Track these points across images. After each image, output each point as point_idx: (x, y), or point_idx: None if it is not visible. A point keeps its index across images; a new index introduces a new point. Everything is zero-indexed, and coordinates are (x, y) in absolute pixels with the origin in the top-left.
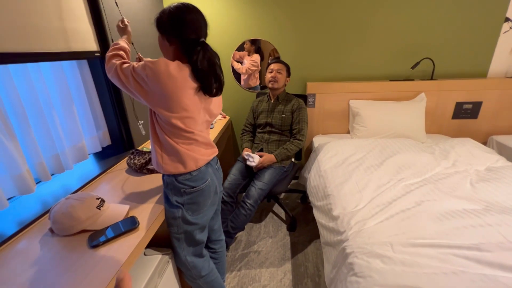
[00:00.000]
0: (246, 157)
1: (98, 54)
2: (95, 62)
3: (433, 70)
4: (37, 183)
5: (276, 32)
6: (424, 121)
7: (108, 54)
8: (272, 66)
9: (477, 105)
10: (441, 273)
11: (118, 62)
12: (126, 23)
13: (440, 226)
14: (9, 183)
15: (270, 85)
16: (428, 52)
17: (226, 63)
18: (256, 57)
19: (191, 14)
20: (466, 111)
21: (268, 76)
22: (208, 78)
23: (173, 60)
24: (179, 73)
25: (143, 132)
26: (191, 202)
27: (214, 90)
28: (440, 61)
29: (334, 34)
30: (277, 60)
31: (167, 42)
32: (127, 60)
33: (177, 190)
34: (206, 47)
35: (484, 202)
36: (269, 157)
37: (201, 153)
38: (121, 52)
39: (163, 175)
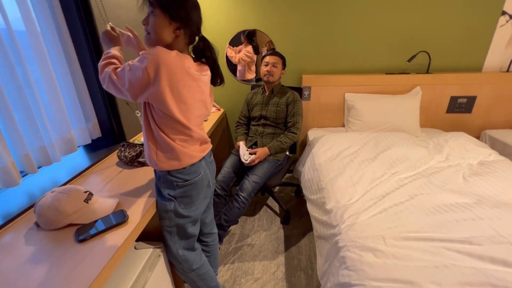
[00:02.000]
0: (241, 154)
1: None
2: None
3: (429, 63)
4: (23, 176)
5: (271, 23)
6: (419, 115)
7: (101, 63)
8: (268, 59)
9: (471, 100)
10: (432, 266)
11: (110, 69)
12: (118, 32)
13: (433, 219)
14: None
15: (265, 79)
16: (424, 45)
17: (220, 53)
18: (250, 48)
19: (198, 6)
20: (460, 105)
21: (263, 69)
22: (218, 69)
23: (169, 48)
24: (180, 62)
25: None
26: (184, 195)
27: (219, 80)
28: (436, 54)
29: (331, 26)
30: (273, 52)
31: (172, 27)
32: (120, 65)
33: (170, 183)
34: (208, 41)
35: (476, 196)
36: (263, 151)
37: (197, 150)
38: (114, 60)
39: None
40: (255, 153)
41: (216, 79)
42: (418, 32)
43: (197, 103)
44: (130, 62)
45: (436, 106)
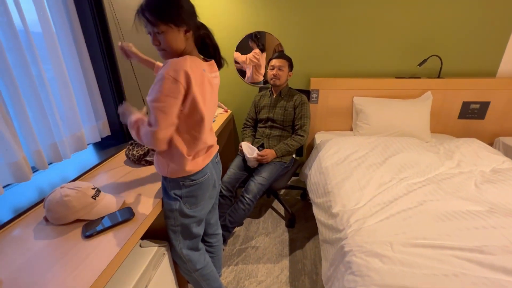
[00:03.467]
0: (246, 151)
1: None
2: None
3: (441, 68)
4: (34, 171)
5: (280, 26)
6: (429, 120)
7: (132, 132)
8: (273, 62)
9: (484, 105)
10: (441, 275)
11: (141, 126)
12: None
13: (442, 227)
14: (4, 170)
15: (272, 82)
16: (436, 49)
17: (227, 53)
18: (258, 51)
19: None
20: (473, 111)
21: (270, 73)
22: (219, 53)
23: (183, 54)
24: (195, 67)
25: None
26: (190, 195)
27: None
28: (448, 59)
29: (340, 29)
30: (278, 55)
31: (181, 33)
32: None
33: (176, 182)
34: (207, 28)
35: (488, 203)
36: (270, 152)
37: (205, 157)
38: (138, 123)
39: None
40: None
41: (220, 62)
42: (429, 35)
43: (213, 106)
44: (155, 104)
45: (447, 112)
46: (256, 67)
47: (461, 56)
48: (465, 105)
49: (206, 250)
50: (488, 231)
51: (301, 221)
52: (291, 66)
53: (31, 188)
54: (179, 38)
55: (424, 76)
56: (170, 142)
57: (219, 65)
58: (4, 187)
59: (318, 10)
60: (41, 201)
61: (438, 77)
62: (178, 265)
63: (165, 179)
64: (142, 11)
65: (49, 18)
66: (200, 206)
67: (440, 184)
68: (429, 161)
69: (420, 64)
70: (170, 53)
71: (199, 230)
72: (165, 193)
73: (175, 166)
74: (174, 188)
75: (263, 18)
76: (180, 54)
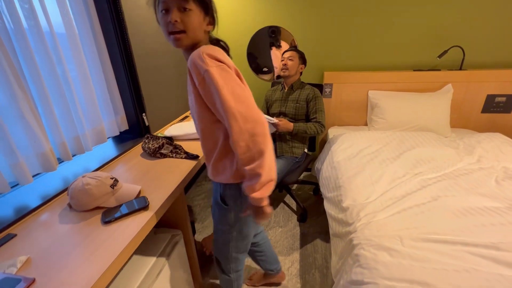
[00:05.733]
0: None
1: None
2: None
3: (463, 59)
4: (59, 163)
5: (293, 20)
6: (449, 115)
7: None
8: (284, 55)
9: (511, 98)
10: (452, 270)
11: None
12: None
13: (456, 222)
14: (34, 160)
15: (282, 73)
16: (457, 39)
17: (240, 50)
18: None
19: None
20: (498, 105)
21: (280, 64)
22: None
23: (197, 47)
24: (224, 54)
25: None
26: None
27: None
28: (471, 49)
29: (354, 20)
30: (290, 49)
31: (205, 23)
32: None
33: (234, 190)
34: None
35: (509, 200)
36: (287, 124)
37: None
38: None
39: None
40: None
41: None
42: (450, 24)
43: None
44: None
45: (469, 105)
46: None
47: (486, 46)
48: (490, 98)
49: (255, 251)
50: (506, 227)
51: (313, 216)
52: (302, 59)
53: (57, 178)
54: (202, 25)
55: (445, 68)
56: (227, 144)
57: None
58: (33, 176)
59: (331, 2)
60: (66, 189)
61: (460, 69)
62: (219, 265)
63: (221, 186)
64: None
65: (72, 19)
66: None
67: (457, 179)
68: (447, 156)
69: (440, 56)
70: (189, 38)
71: (252, 232)
72: (220, 203)
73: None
74: (232, 196)
75: (276, 13)
76: (195, 45)
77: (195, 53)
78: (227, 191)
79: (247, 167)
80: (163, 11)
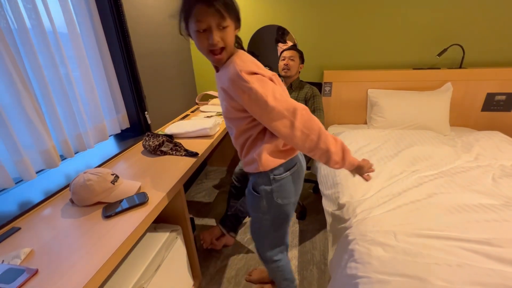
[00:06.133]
0: None
1: None
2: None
3: (463, 57)
4: (62, 160)
5: (292, 18)
6: (449, 113)
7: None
8: (284, 54)
9: (511, 97)
10: (444, 265)
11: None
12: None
13: (451, 219)
14: (37, 157)
15: (283, 73)
16: (457, 37)
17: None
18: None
19: None
20: (498, 103)
21: (281, 64)
22: None
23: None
24: (255, 62)
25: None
26: (280, 189)
27: None
28: (470, 47)
29: (354, 19)
30: (290, 47)
31: (235, 32)
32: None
33: (267, 178)
34: None
35: (504, 197)
36: None
37: None
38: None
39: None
40: None
41: None
42: (450, 23)
43: None
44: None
45: (469, 104)
46: None
47: (486, 45)
48: (490, 96)
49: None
50: (499, 224)
51: (312, 214)
52: (302, 59)
53: (60, 174)
54: (233, 36)
55: (444, 66)
56: (260, 136)
57: None
58: (36, 172)
59: (331, 0)
60: (68, 185)
61: (460, 67)
62: (260, 253)
63: (256, 179)
64: (211, 1)
65: (74, 19)
66: (294, 196)
67: (453, 177)
68: (445, 154)
69: (439, 54)
70: (227, 52)
71: (286, 222)
72: (255, 193)
73: (270, 155)
74: (266, 184)
75: (276, 12)
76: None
77: (232, 74)
78: (258, 180)
79: (316, 151)
80: (200, 31)
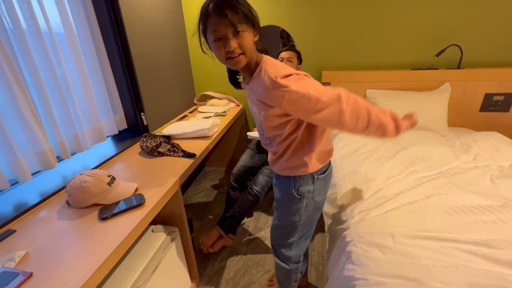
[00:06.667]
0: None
1: None
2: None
3: (461, 58)
4: (59, 161)
5: (290, 18)
6: (447, 113)
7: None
8: (282, 55)
9: (509, 97)
10: (441, 266)
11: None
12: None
13: (448, 220)
14: (33, 158)
15: None
16: (455, 38)
17: None
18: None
19: None
20: (496, 103)
21: None
22: None
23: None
24: (283, 64)
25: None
26: (320, 187)
27: None
28: (469, 48)
29: (352, 20)
30: (287, 48)
31: (255, 37)
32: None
33: (309, 179)
34: None
35: (502, 198)
36: None
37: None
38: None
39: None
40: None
41: None
42: (448, 23)
43: None
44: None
45: (467, 104)
46: None
47: (484, 45)
48: (488, 97)
49: None
50: (497, 225)
51: None
52: (300, 59)
53: (56, 176)
54: (253, 40)
55: (442, 67)
56: (303, 139)
57: None
58: (32, 174)
59: (329, 1)
60: (64, 187)
61: (458, 67)
62: (280, 252)
63: (295, 178)
64: (221, 8)
65: (70, 19)
66: (326, 194)
67: (451, 178)
68: (443, 154)
69: (437, 55)
70: (246, 56)
71: (317, 218)
72: (292, 194)
73: (315, 158)
74: (307, 185)
75: (273, 12)
76: (251, 61)
77: (268, 84)
78: (301, 181)
79: (370, 129)
80: (217, 40)
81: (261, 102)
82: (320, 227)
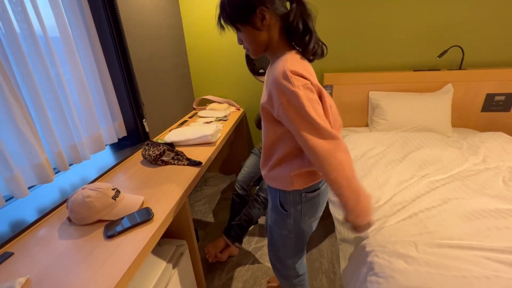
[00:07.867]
0: None
1: None
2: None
3: (462, 59)
4: (56, 173)
5: None
6: (450, 114)
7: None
8: None
9: (510, 97)
10: (472, 277)
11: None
12: None
13: (470, 226)
14: (29, 171)
15: None
16: (457, 39)
17: (236, 52)
18: None
19: None
20: (497, 103)
21: None
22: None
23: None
24: (306, 67)
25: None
26: (310, 206)
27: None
28: (470, 49)
29: (353, 22)
30: None
31: (258, 21)
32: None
33: (298, 196)
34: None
35: None
36: None
37: None
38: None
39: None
40: None
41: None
42: (450, 24)
43: None
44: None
45: (470, 105)
46: None
47: (485, 46)
48: (489, 97)
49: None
50: None
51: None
52: None
53: (54, 189)
54: (256, 33)
55: (444, 68)
56: (293, 153)
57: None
58: (29, 188)
59: (330, 3)
60: (64, 201)
61: (460, 68)
62: (279, 269)
63: (283, 197)
64: (219, 17)
65: (66, 22)
66: (318, 214)
67: (464, 181)
68: (452, 157)
69: (440, 56)
70: (255, 49)
71: (310, 230)
72: (281, 210)
73: (301, 176)
74: (295, 203)
75: None
76: (267, 46)
77: (279, 71)
78: (287, 197)
79: (342, 190)
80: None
81: (267, 88)
82: (326, 232)
